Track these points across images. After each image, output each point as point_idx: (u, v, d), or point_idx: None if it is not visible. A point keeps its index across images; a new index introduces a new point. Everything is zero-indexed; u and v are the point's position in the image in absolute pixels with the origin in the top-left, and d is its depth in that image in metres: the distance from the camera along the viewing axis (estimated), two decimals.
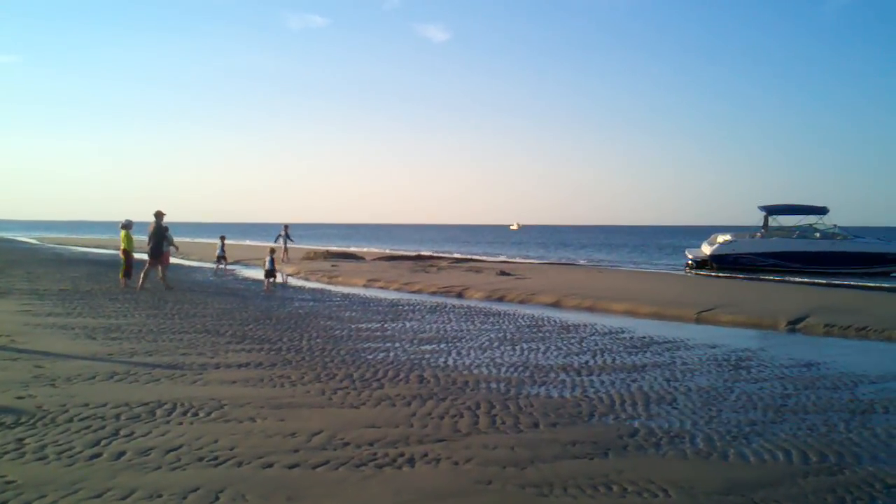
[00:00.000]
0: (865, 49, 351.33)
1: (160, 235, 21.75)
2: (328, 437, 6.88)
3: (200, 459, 6.16)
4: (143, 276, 21.52)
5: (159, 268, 21.97)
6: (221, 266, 30.60)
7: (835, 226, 38.35)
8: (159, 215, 21.96)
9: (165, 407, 7.89)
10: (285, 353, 11.42)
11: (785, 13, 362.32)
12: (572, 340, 13.55)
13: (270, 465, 6.06)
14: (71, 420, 7.29)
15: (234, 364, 10.44)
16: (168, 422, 7.33)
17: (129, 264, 22.02)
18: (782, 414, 8.35)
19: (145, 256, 21.98)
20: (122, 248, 22.21)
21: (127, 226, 22.12)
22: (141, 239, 23.01)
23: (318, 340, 12.79)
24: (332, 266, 33.95)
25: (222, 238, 31.05)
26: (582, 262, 50.21)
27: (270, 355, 11.23)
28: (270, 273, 23.46)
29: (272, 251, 24.79)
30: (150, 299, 18.82)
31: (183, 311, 16.37)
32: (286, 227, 38.84)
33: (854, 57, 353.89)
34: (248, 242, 70.59)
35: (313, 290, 23.91)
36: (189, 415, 7.62)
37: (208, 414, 7.66)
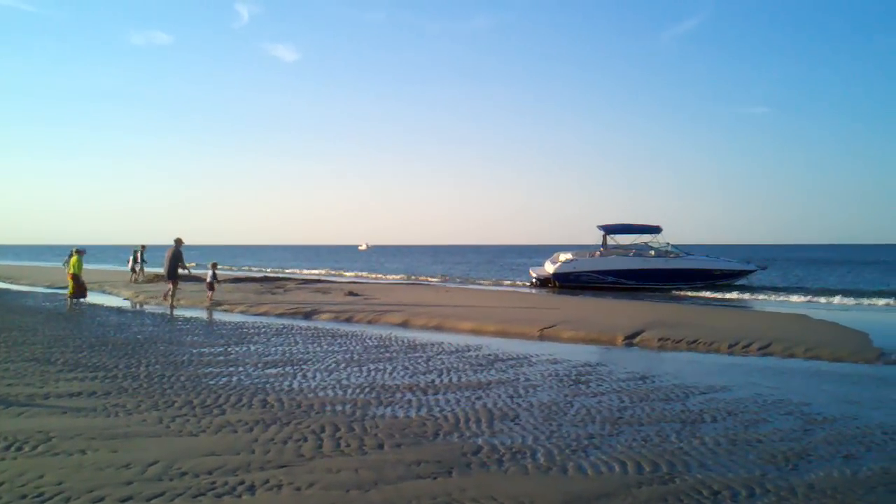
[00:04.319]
0: (701, 76, 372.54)
1: (177, 259, 23.92)
2: (164, 468, 6.61)
3: (23, 497, 5.79)
4: (172, 297, 24.54)
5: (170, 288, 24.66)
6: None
7: (668, 244, 40.43)
8: (178, 242, 23.98)
9: None
10: (121, 381, 10.92)
11: (624, 38, 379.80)
12: (419, 360, 13.62)
13: (101, 500, 5.77)
14: None
15: (64, 393, 9.89)
16: None
17: (77, 286, 24.35)
18: (619, 426, 8.67)
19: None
20: (70, 272, 24.33)
21: (80, 252, 24.61)
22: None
23: (156, 366, 12.30)
24: None
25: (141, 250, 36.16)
26: (430, 281, 50.64)
27: (105, 383, 10.71)
28: (211, 286, 26.11)
29: (214, 265, 27.34)
30: None
31: (10, 339, 15.38)
32: (143, 247, 38.74)
33: (690, 83, 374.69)
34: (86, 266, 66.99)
35: (153, 314, 22.95)
36: (13, 449, 7.15)
37: (34, 448, 7.22)
